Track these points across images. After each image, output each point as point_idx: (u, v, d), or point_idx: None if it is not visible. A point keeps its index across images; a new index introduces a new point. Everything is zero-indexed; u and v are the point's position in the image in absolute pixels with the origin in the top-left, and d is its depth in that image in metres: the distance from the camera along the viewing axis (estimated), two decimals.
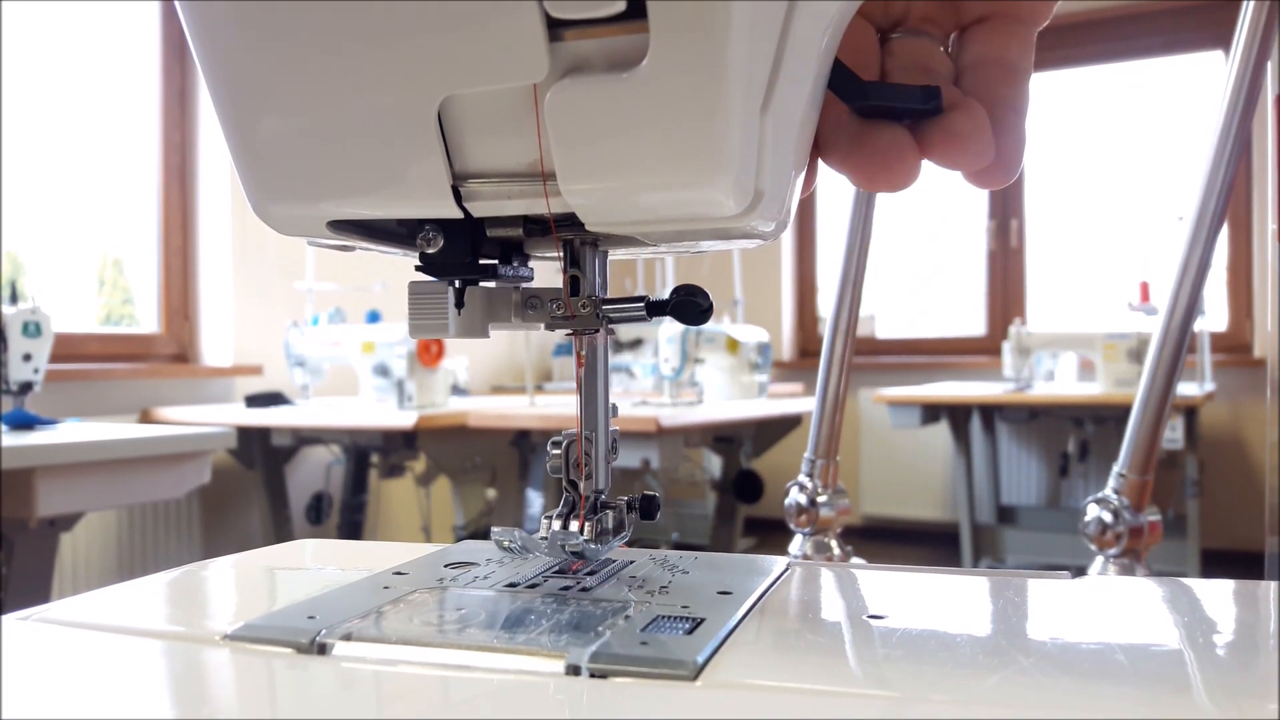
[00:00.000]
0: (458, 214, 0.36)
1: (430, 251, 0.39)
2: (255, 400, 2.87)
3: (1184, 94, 4.16)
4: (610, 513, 0.44)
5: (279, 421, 2.74)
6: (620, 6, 0.29)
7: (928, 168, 0.39)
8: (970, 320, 4.52)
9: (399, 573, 0.46)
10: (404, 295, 0.42)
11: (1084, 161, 4.35)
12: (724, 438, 3.06)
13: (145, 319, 3.18)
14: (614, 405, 0.45)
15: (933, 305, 4.69)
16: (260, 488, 3.04)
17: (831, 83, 0.37)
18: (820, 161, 0.39)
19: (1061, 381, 3.78)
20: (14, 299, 1.98)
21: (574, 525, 0.43)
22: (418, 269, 0.41)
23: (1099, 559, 0.74)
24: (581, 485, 0.44)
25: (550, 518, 0.44)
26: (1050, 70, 4.28)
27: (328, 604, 0.41)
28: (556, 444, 0.44)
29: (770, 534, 4.06)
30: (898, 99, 0.37)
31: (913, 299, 4.73)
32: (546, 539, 0.44)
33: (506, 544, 0.45)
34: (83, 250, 3.07)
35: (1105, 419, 3.42)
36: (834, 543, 0.83)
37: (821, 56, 0.35)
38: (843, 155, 0.38)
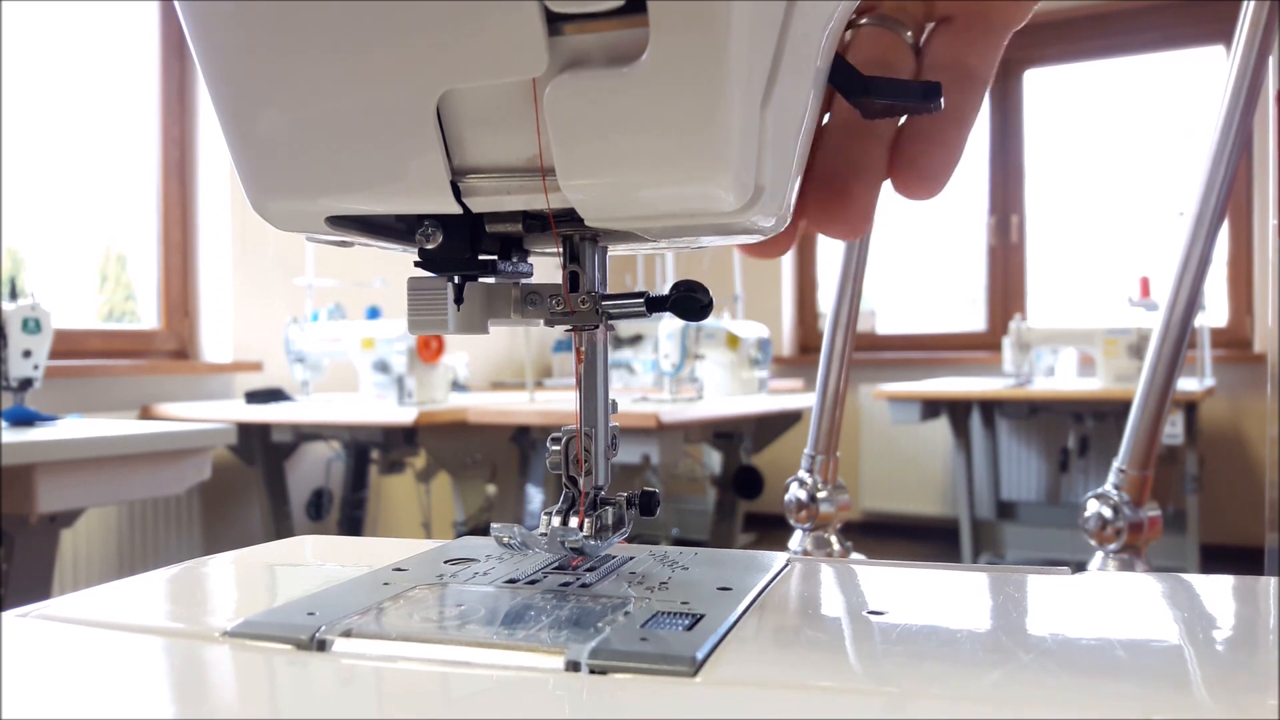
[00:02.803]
0: (457, 209, 0.36)
1: (429, 247, 0.39)
2: (255, 396, 2.87)
3: (1185, 89, 4.15)
4: (610, 509, 0.44)
5: (279, 418, 2.75)
6: (620, 1, 0.29)
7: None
8: (970, 316, 4.52)
9: (399, 569, 0.46)
10: (404, 291, 0.42)
11: (1084, 157, 4.35)
12: (724, 433, 3.06)
13: (145, 315, 3.18)
14: (614, 401, 0.45)
15: (933, 301, 4.69)
16: (260, 484, 3.05)
17: (832, 78, 0.37)
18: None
19: (1061, 377, 3.78)
20: (14, 295, 1.97)
21: (574, 521, 0.43)
22: (417, 265, 0.41)
23: (1099, 554, 0.74)
24: (581, 481, 0.44)
25: (550, 514, 0.44)
26: (1051, 65, 4.28)
27: (327, 600, 0.41)
28: (556, 440, 0.44)
29: (770, 529, 4.07)
30: (898, 95, 0.37)
31: (913, 294, 4.73)
32: (546, 535, 0.44)
33: (506, 540, 0.45)
34: (83, 246, 3.07)
35: (1105, 414, 3.42)
36: (834, 538, 0.83)
37: (822, 51, 0.35)
38: (809, 204, 0.38)
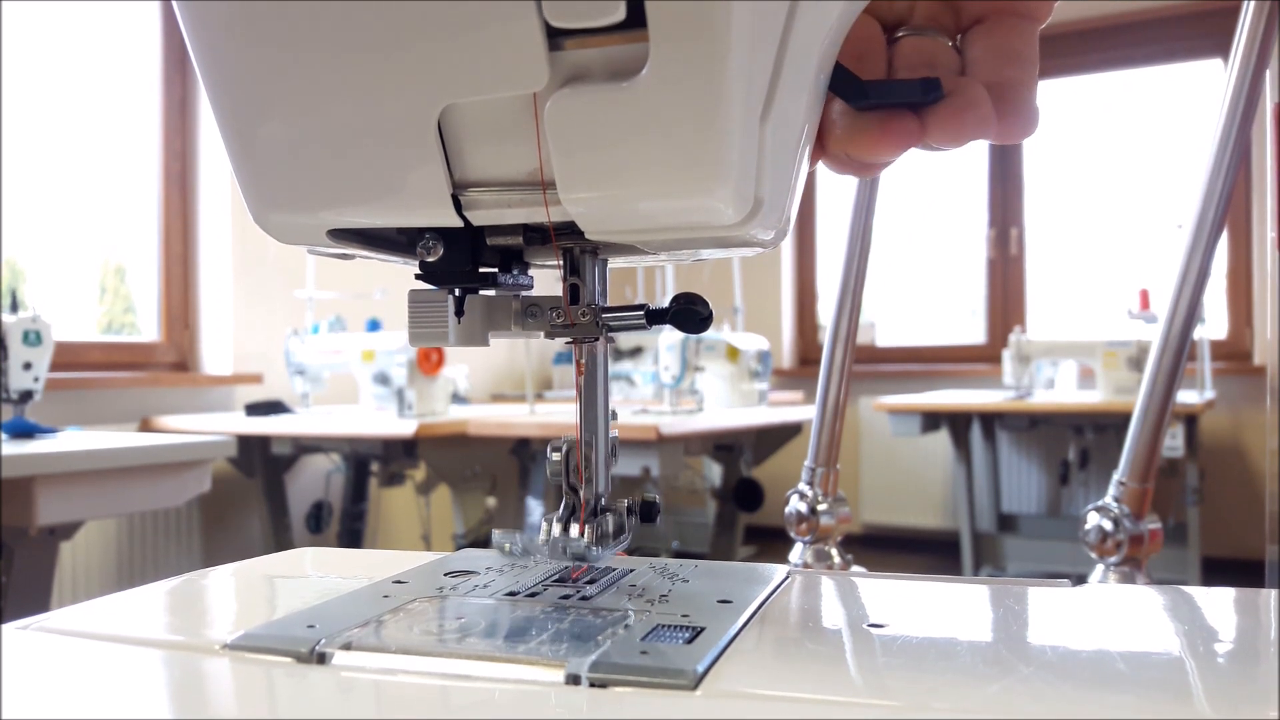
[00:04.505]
0: (458, 222, 0.36)
1: (430, 260, 0.39)
2: (255, 409, 2.87)
3: (1183, 102, 4.17)
4: (610, 516, 0.44)
5: (279, 430, 2.74)
6: (620, 16, 0.29)
7: (926, 157, 0.39)
8: (970, 328, 4.52)
9: (399, 581, 0.46)
10: (404, 303, 0.42)
11: (1084, 169, 4.36)
12: (724, 446, 3.06)
13: (145, 327, 3.18)
14: (614, 411, 0.45)
15: (933, 313, 4.69)
16: (260, 496, 3.04)
17: (832, 85, 0.37)
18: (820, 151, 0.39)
19: (1061, 389, 3.78)
20: (14, 307, 1.98)
21: (575, 529, 0.43)
22: (418, 277, 0.41)
23: (1099, 567, 0.74)
24: (582, 490, 0.44)
25: (550, 520, 0.44)
26: (1050, 78, 4.29)
27: (327, 613, 0.40)
28: (556, 449, 0.44)
29: (770, 542, 4.06)
30: (898, 94, 0.37)
31: (913, 307, 4.73)
32: (547, 542, 0.44)
33: (508, 547, 0.45)
34: (83, 258, 3.07)
35: (1105, 427, 3.41)
36: (834, 551, 0.83)
37: (820, 64, 0.36)
38: (838, 134, 0.38)
